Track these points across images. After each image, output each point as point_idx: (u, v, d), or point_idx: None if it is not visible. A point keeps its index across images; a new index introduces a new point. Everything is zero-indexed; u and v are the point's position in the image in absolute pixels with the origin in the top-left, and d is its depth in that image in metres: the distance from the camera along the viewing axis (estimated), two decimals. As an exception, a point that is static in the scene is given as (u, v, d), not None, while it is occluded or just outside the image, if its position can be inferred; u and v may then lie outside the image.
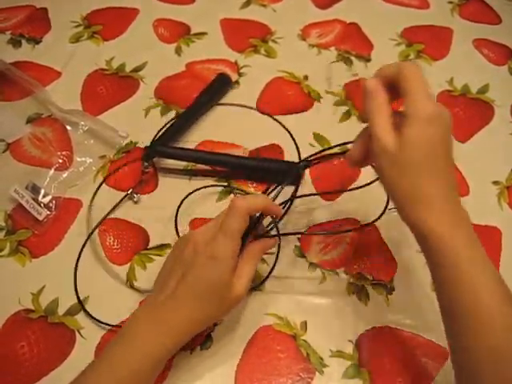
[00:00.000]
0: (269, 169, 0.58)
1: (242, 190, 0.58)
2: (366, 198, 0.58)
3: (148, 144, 0.61)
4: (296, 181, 0.53)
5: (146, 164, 0.58)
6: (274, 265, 0.53)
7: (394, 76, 0.39)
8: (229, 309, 0.44)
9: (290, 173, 0.53)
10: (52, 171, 0.59)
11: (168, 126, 0.63)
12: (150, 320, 0.42)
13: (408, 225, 0.40)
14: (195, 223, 0.55)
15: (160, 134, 0.62)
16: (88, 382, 0.40)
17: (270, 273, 0.52)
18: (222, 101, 0.67)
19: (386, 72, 0.40)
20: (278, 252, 0.53)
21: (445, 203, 0.39)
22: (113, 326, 0.49)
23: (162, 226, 0.55)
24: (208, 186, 0.58)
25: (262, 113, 0.65)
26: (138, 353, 0.41)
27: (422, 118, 0.37)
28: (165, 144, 0.60)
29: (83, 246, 0.54)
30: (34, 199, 0.56)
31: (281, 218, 0.49)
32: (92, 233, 0.55)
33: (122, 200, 0.57)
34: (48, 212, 0.56)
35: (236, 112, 0.65)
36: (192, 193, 0.57)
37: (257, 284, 0.52)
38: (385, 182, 0.41)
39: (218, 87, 0.67)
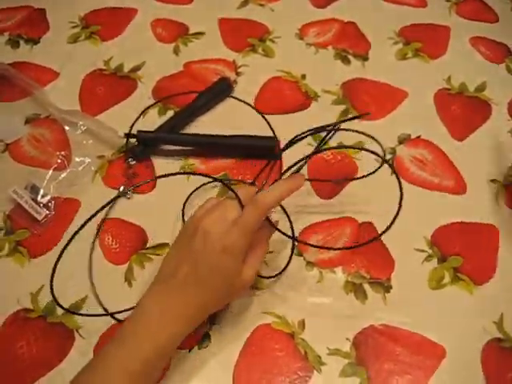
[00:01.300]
0: (248, 145, 0.61)
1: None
2: (364, 197, 0.58)
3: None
4: (274, 156, 0.59)
5: (130, 158, 0.60)
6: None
7: None
8: (236, 295, 0.48)
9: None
10: (51, 171, 0.59)
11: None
12: (158, 309, 0.42)
13: None
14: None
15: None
16: (97, 377, 0.40)
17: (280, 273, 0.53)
18: (220, 102, 0.67)
19: None
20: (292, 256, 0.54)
21: None
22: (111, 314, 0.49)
23: (161, 226, 0.55)
24: (207, 183, 0.58)
25: (260, 112, 0.65)
26: (148, 344, 0.41)
27: None
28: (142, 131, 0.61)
29: (67, 244, 0.54)
30: (32, 199, 0.56)
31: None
32: (77, 232, 0.55)
33: (116, 198, 0.57)
34: (47, 212, 0.56)
35: (233, 112, 0.66)
36: (193, 192, 0.58)
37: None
38: None
39: (218, 91, 0.67)
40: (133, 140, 0.61)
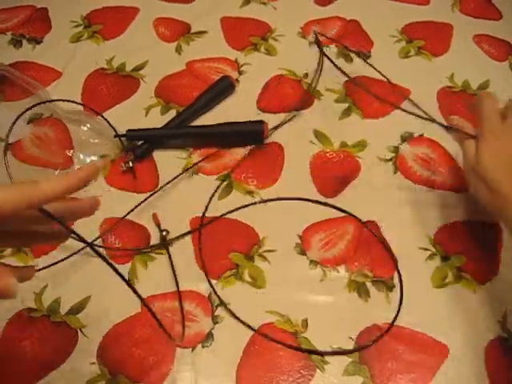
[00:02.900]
0: (236, 132, 0.62)
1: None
2: (367, 196, 0.58)
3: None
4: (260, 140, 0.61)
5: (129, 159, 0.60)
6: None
7: None
8: None
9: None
10: (54, 170, 0.59)
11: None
12: None
13: None
14: (194, 221, 0.56)
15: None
16: None
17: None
18: (223, 100, 0.67)
19: None
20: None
21: None
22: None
23: (163, 225, 0.55)
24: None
25: (263, 111, 0.65)
26: None
27: None
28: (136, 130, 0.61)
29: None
30: None
31: None
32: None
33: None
34: None
35: (235, 111, 0.66)
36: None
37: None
38: None
39: (220, 90, 0.66)
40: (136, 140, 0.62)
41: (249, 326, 0.49)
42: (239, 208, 0.57)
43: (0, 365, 0.47)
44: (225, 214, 0.56)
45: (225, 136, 0.62)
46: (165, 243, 0.54)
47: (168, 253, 0.53)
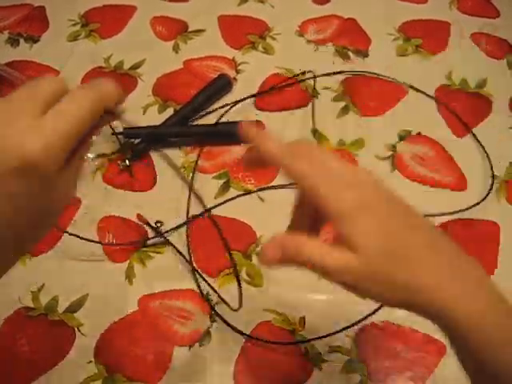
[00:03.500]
0: (234, 130, 0.61)
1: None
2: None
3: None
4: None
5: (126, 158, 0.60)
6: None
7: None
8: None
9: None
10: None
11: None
12: None
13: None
14: (191, 220, 0.56)
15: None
16: None
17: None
18: (220, 99, 0.67)
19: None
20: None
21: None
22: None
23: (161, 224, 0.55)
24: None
25: (260, 109, 0.65)
26: None
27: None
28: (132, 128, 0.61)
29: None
30: None
31: None
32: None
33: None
34: None
35: (233, 109, 0.65)
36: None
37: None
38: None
39: (217, 88, 0.66)
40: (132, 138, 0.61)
41: (239, 332, 0.49)
42: (232, 199, 0.57)
43: (-3, 364, 0.47)
44: (214, 207, 0.57)
45: (222, 134, 0.62)
46: (161, 234, 0.54)
47: (167, 240, 0.54)
